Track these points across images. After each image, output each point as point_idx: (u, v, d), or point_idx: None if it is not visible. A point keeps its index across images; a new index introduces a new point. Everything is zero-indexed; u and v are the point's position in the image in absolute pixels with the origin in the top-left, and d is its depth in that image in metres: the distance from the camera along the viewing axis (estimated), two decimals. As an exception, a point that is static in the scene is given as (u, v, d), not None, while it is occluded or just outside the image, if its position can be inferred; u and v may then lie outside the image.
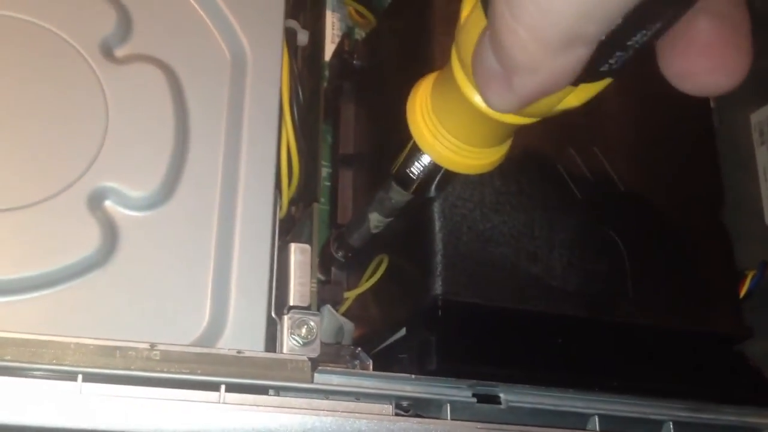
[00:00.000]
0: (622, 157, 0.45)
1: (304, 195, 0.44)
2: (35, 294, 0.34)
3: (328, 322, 0.42)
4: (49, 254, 0.34)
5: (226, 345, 0.36)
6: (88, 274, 0.35)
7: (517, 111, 0.29)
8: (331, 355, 0.39)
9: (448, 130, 0.34)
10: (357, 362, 0.40)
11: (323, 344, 0.39)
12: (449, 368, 0.39)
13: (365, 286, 0.42)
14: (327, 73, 0.55)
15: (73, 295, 0.35)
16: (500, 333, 0.41)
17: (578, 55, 0.23)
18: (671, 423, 0.40)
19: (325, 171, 0.54)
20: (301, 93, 0.42)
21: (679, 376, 0.43)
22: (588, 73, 0.26)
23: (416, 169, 0.36)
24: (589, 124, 0.45)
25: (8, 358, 0.32)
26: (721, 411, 0.41)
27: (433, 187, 0.39)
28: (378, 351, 0.45)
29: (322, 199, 0.52)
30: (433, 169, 0.36)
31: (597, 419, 0.40)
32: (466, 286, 0.40)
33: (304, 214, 0.42)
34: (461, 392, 0.38)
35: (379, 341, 0.45)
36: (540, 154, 0.44)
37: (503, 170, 0.40)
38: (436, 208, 0.41)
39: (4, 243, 0.34)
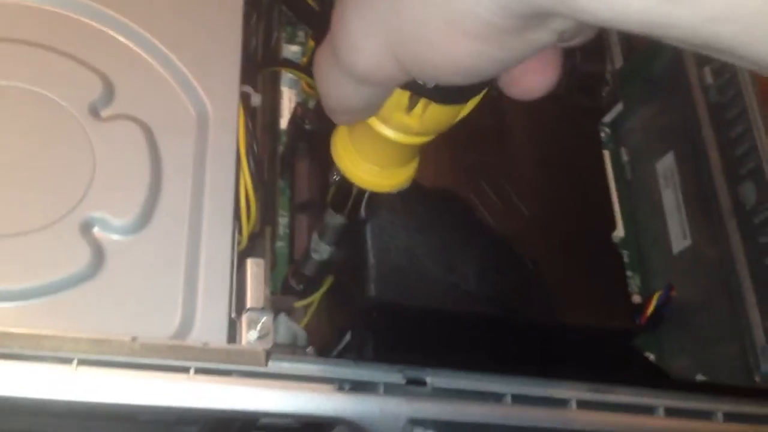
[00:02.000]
0: (527, 189, 0.55)
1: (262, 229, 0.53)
2: (38, 300, 0.42)
3: (284, 329, 0.50)
4: (49, 268, 0.43)
5: (194, 339, 0.43)
6: (80, 284, 0.43)
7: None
8: (286, 352, 0.47)
9: (364, 158, 0.43)
10: (306, 358, 0.48)
11: (280, 345, 0.48)
12: (383, 357, 0.47)
13: (314, 297, 0.51)
14: (285, 137, 0.65)
15: (69, 301, 0.43)
16: (426, 329, 0.49)
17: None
18: (575, 401, 0.48)
19: (283, 220, 0.63)
20: (255, 146, 0.51)
21: (581, 364, 0.51)
22: (412, 101, 0.35)
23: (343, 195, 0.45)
24: (498, 162, 0.55)
25: (18, 347, 0.40)
26: (618, 391, 0.49)
27: (362, 208, 0.48)
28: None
29: (281, 243, 0.61)
30: (358, 192, 0.45)
31: (510, 397, 0.47)
32: (395, 290, 0.48)
33: (260, 239, 0.51)
34: (393, 375, 0.46)
35: (332, 350, 0.53)
36: (456, 187, 0.53)
37: (425, 199, 0.50)
38: (368, 230, 0.50)
39: (12, 259, 0.42)
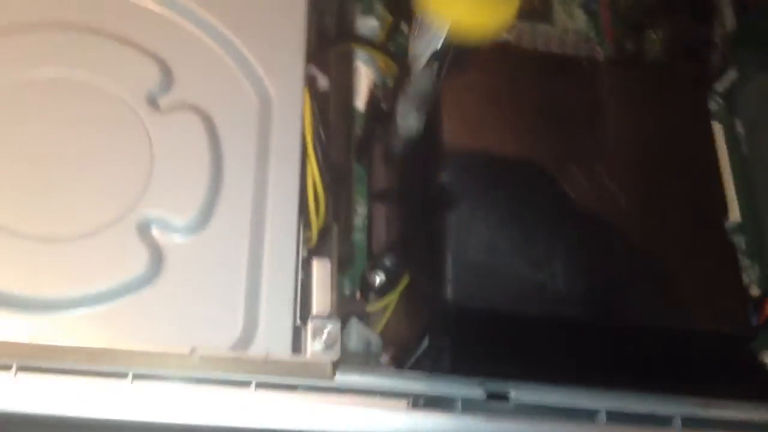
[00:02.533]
0: (624, 173, 0.49)
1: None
2: (96, 308, 0.40)
3: (356, 335, 0.46)
4: (105, 274, 0.40)
5: (256, 350, 0.40)
6: (138, 291, 0.41)
7: None
8: (356, 362, 0.43)
9: None
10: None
11: (352, 354, 0.44)
12: (462, 368, 0.42)
13: (389, 298, 0.47)
14: (361, 119, 0.61)
15: (127, 309, 0.40)
16: (510, 336, 0.44)
17: None
18: (679, 418, 0.43)
19: (361, 209, 0.59)
20: (322, 132, 0.47)
21: (687, 376, 0.45)
22: None
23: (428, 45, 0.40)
24: (590, 143, 0.49)
25: (71, 362, 0.37)
26: (728, 407, 0.44)
27: (445, 65, 0.42)
28: (409, 366, 0.49)
29: (359, 234, 0.57)
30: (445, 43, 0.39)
31: (604, 415, 0.42)
32: (475, 292, 0.44)
33: (328, 237, 0.47)
34: (472, 390, 0.42)
35: (409, 357, 0.49)
36: (543, 173, 0.48)
37: (508, 189, 0.45)
38: (446, 224, 0.45)
39: (66, 265, 0.40)
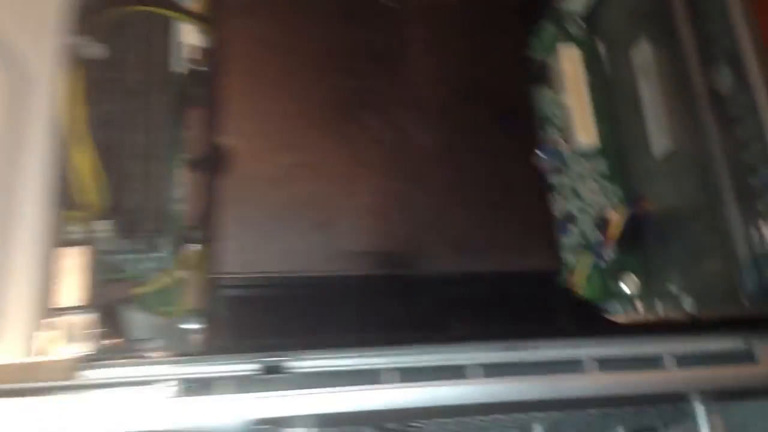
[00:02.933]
0: (428, 115, 0.45)
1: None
2: None
3: (138, 321, 0.43)
4: None
5: (-3, 354, 0.37)
6: None
7: None
8: (124, 351, 0.40)
9: None
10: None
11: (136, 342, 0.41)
12: (238, 344, 0.39)
13: (158, 282, 0.43)
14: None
15: None
16: (298, 305, 0.41)
17: None
18: (481, 367, 0.39)
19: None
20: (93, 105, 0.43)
21: (494, 321, 0.42)
22: None
23: None
24: (386, 85, 0.45)
25: None
26: (536, 347, 0.40)
27: None
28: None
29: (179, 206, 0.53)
30: None
31: (398, 374, 0.39)
32: (251, 260, 0.40)
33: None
34: (246, 366, 0.38)
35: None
36: (332, 121, 0.44)
37: (291, 142, 0.41)
38: (224, 188, 0.41)
39: None
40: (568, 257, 0.59)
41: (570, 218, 0.62)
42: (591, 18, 0.68)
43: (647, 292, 0.59)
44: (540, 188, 0.44)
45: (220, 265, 0.40)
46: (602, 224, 0.58)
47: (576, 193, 0.63)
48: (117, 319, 0.42)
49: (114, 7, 0.51)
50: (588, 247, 0.58)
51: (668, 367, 0.41)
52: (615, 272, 0.60)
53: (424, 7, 0.47)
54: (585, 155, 0.64)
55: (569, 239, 0.60)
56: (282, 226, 0.41)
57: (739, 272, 0.48)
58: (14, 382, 0.35)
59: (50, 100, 0.42)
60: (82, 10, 0.47)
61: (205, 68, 0.54)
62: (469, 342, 0.40)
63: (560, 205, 0.62)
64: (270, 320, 0.40)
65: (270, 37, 0.44)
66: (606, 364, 0.40)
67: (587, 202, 0.63)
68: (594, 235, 0.59)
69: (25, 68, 0.43)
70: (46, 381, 0.36)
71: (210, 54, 0.50)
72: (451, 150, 0.43)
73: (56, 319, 0.38)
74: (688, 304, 0.55)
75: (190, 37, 0.57)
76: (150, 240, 0.49)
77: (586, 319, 0.43)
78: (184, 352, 0.38)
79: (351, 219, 0.41)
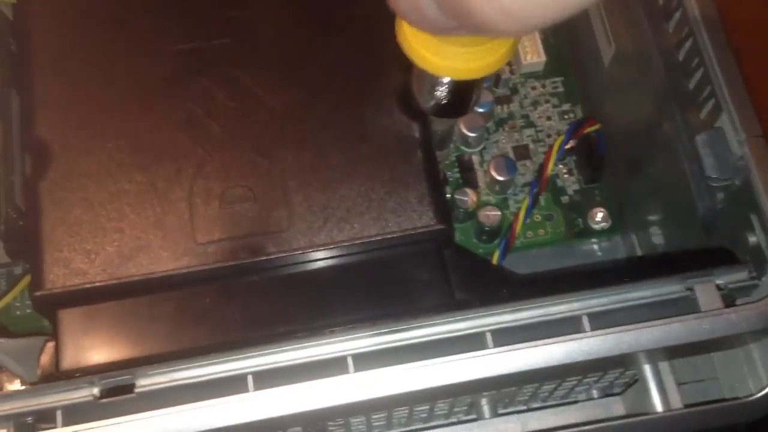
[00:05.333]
0: (273, 70, 0.39)
1: None
2: None
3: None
4: None
5: None
6: None
7: None
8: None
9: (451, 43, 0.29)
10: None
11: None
12: (78, 369, 0.34)
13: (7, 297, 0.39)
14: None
15: None
16: (136, 312, 0.36)
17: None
18: (350, 357, 0.34)
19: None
20: None
21: (376, 297, 0.36)
22: None
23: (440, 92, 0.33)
24: (227, 44, 0.39)
25: None
26: (419, 323, 0.34)
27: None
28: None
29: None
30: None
31: (251, 378, 0.34)
32: (76, 271, 0.35)
33: None
34: (84, 391, 0.34)
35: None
36: (161, 93, 0.38)
37: (124, 120, 0.36)
38: (41, 190, 0.36)
39: None
40: (517, 199, 0.53)
41: (523, 152, 0.55)
42: None
43: (623, 226, 0.52)
44: (418, 136, 0.37)
45: (41, 282, 0.35)
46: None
47: (530, 121, 0.55)
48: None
49: None
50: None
51: (587, 328, 0.34)
52: (582, 208, 0.53)
53: None
54: (534, 76, 0.56)
55: (521, 177, 0.53)
56: (110, 226, 0.35)
57: (689, 194, 0.41)
58: None
59: None
60: None
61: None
62: (345, 331, 0.34)
63: (512, 139, 0.55)
64: (111, 336, 0.35)
65: (79, 6, 0.38)
66: (506, 335, 0.33)
67: (542, 130, 0.55)
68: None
69: None
70: None
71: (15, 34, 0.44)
72: (304, 109, 0.37)
73: None
74: (658, 239, 0.47)
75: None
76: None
77: (486, 283, 0.36)
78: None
79: (191, 207, 0.36)
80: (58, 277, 0.35)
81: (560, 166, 0.54)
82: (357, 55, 0.39)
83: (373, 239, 0.36)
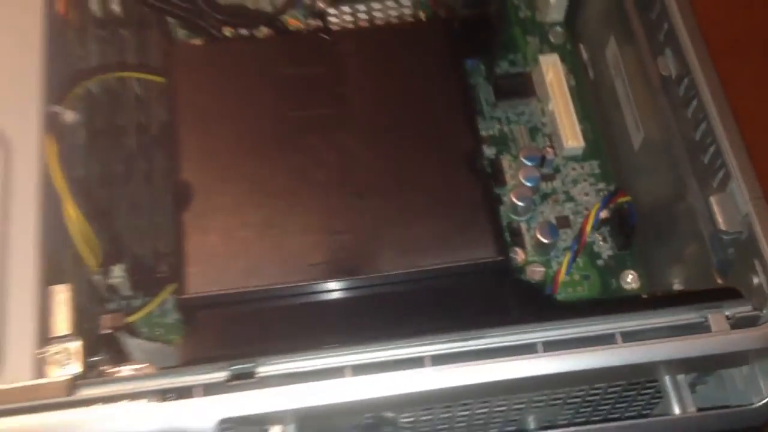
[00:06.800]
0: (370, 133, 0.49)
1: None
2: None
3: (133, 346, 0.48)
4: None
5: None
6: None
7: None
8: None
9: None
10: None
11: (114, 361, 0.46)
12: (211, 357, 0.43)
13: (145, 309, 0.48)
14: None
15: None
16: (261, 318, 0.45)
17: None
18: (429, 358, 0.42)
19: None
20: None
21: (450, 316, 0.44)
22: None
23: None
24: (328, 111, 0.49)
25: None
26: (485, 334, 0.43)
27: None
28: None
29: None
30: None
31: (351, 369, 0.42)
32: (212, 282, 0.45)
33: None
34: (216, 374, 0.42)
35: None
36: (278, 152, 0.48)
37: (241, 172, 0.46)
38: (184, 220, 0.46)
39: None
40: (559, 260, 0.61)
41: (564, 221, 0.64)
42: (571, 24, 0.70)
43: (650, 288, 0.60)
44: (481, 188, 0.47)
45: (184, 287, 0.44)
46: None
47: (570, 197, 0.65)
48: (114, 344, 0.47)
49: (85, 77, 0.57)
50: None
51: (619, 342, 0.42)
52: (615, 270, 0.62)
53: (354, 35, 0.51)
54: (574, 159, 0.66)
55: (563, 242, 0.62)
56: (239, 246, 0.45)
57: (705, 250, 0.49)
58: (21, 402, 0.40)
59: (35, 163, 0.48)
60: (59, 81, 0.53)
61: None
62: (423, 336, 0.42)
63: (555, 211, 0.64)
64: (238, 333, 0.44)
65: (217, 81, 0.49)
66: (558, 346, 0.42)
67: (581, 204, 0.64)
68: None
69: (6, 136, 0.49)
70: (47, 399, 0.41)
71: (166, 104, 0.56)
72: (391, 163, 0.47)
73: (49, 348, 0.42)
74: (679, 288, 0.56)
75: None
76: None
77: (537, 306, 0.45)
78: (163, 366, 0.42)
79: (304, 234, 0.45)
80: (197, 286, 0.44)
81: (596, 234, 0.63)
82: (432, 123, 0.49)
83: (446, 266, 0.45)
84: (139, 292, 0.55)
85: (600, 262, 0.62)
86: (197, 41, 0.62)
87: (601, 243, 0.63)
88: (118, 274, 0.53)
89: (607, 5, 0.63)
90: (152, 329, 0.51)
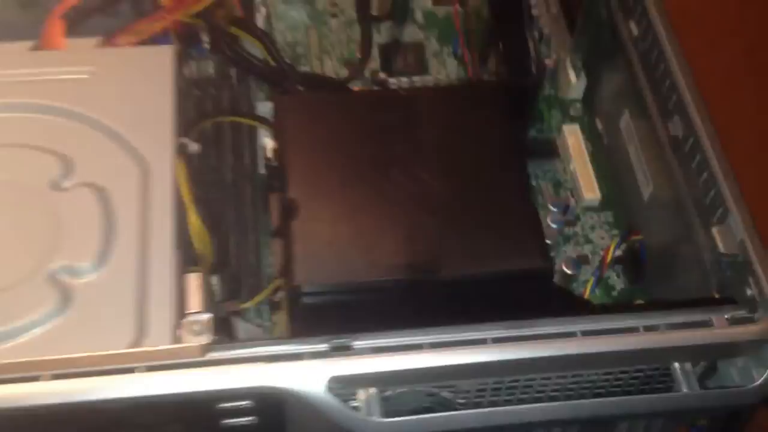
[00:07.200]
0: (437, 168, 0.62)
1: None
2: (28, 335, 0.53)
3: (242, 330, 0.58)
4: (34, 307, 0.54)
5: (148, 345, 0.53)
6: (53, 320, 0.54)
7: None
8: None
9: None
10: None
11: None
12: (313, 332, 0.54)
13: (258, 298, 0.59)
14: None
15: (49, 333, 0.53)
16: (354, 304, 0.56)
17: None
18: (490, 339, 0.53)
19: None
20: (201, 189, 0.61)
21: (503, 312, 0.55)
22: None
23: None
24: (410, 150, 0.62)
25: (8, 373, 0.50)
26: (534, 324, 0.54)
27: None
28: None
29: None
30: None
31: (428, 345, 0.53)
32: (318, 274, 0.56)
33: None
34: (319, 345, 0.53)
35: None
36: (369, 177, 0.61)
37: (342, 192, 0.58)
38: (294, 227, 0.58)
39: (7, 307, 0.53)
40: (579, 290, 0.73)
41: (584, 259, 0.75)
42: (588, 101, 0.84)
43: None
44: (529, 209, 0.60)
45: (293, 278, 0.56)
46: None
47: (588, 240, 0.77)
48: (228, 325, 0.57)
49: (210, 117, 0.69)
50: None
51: (641, 332, 0.53)
52: (627, 301, 0.73)
53: (424, 91, 0.65)
54: (592, 209, 0.78)
55: (582, 275, 0.74)
56: (337, 248, 0.56)
57: (707, 277, 0.61)
58: (162, 360, 0.51)
59: (169, 180, 0.60)
60: (186, 119, 0.65)
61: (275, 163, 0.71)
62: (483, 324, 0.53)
63: (576, 250, 0.76)
64: (334, 318, 0.55)
65: (320, 125, 0.62)
66: (593, 333, 0.53)
67: (598, 246, 0.76)
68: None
69: (146, 159, 0.61)
70: (184, 359, 0.51)
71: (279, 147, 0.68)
72: (454, 188, 0.60)
73: (187, 320, 0.53)
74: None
75: (267, 140, 0.75)
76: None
77: (575, 307, 0.56)
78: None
79: (388, 241, 0.57)
80: (302, 278, 0.55)
81: (611, 271, 0.74)
82: (488, 158, 0.61)
83: (499, 270, 0.57)
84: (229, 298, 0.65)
85: (614, 293, 0.73)
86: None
87: (615, 278, 0.74)
88: (215, 281, 0.64)
89: (622, 86, 0.76)
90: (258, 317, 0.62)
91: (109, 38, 0.68)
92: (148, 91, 0.63)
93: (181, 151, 0.62)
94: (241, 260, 0.67)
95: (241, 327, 0.59)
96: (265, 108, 0.79)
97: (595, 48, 0.81)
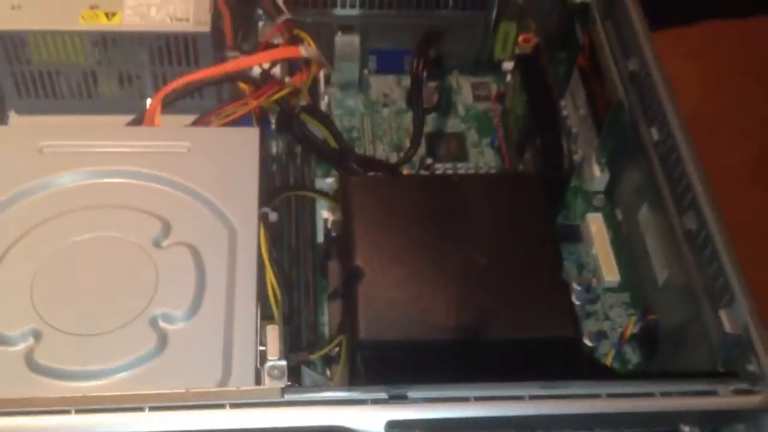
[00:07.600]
0: (483, 246, 0.71)
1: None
2: (125, 374, 0.62)
3: (308, 378, 0.67)
4: (137, 347, 0.63)
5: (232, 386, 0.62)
6: (152, 360, 0.63)
7: None
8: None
9: None
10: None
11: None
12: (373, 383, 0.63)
13: (324, 351, 0.68)
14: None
15: (148, 371, 0.62)
16: (408, 360, 0.65)
17: None
18: (527, 396, 0.62)
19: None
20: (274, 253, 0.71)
21: (537, 374, 0.64)
22: None
23: None
24: (456, 227, 0.72)
25: (106, 404, 0.59)
26: (566, 385, 0.62)
27: None
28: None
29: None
30: None
31: (473, 399, 0.61)
32: (379, 331, 0.65)
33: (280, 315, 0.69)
34: (379, 393, 0.61)
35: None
36: (426, 250, 0.70)
37: (402, 262, 0.68)
38: (358, 291, 0.67)
39: (107, 348, 0.62)
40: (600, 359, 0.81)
41: (604, 334, 0.84)
42: (610, 194, 0.94)
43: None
44: (562, 285, 0.69)
45: (357, 333, 0.65)
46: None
47: (607, 317, 0.86)
48: (297, 373, 0.66)
49: (286, 190, 0.80)
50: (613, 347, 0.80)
51: (657, 396, 0.62)
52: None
53: (473, 177, 0.77)
54: (611, 290, 0.88)
55: (602, 348, 0.83)
56: (396, 310, 0.66)
57: (713, 353, 0.70)
58: (247, 399, 0.59)
59: (253, 244, 0.70)
60: (267, 191, 0.76)
61: (337, 233, 0.81)
62: (521, 382, 0.62)
63: (597, 326, 0.85)
64: (391, 370, 0.64)
65: (382, 202, 0.72)
66: (616, 396, 0.61)
67: (616, 323, 0.85)
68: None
69: (234, 224, 0.71)
70: (266, 398, 0.60)
71: (342, 220, 0.78)
72: (497, 262, 0.69)
73: (268, 364, 0.62)
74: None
75: (324, 212, 0.85)
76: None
77: (601, 373, 0.65)
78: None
79: (441, 306, 0.66)
80: (368, 335, 0.65)
81: (627, 346, 0.83)
82: (527, 239, 0.71)
83: (536, 336, 0.66)
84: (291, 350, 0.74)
85: (630, 366, 0.82)
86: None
87: (630, 353, 0.83)
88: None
89: (642, 181, 0.86)
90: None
91: (201, 118, 0.79)
92: (237, 166, 0.73)
93: (263, 218, 0.72)
94: (302, 317, 0.76)
95: (306, 375, 0.68)
96: (322, 184, 0.90)
97: (618, 147, 0.92)
